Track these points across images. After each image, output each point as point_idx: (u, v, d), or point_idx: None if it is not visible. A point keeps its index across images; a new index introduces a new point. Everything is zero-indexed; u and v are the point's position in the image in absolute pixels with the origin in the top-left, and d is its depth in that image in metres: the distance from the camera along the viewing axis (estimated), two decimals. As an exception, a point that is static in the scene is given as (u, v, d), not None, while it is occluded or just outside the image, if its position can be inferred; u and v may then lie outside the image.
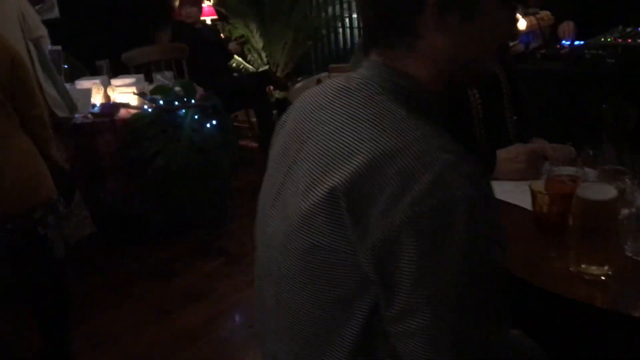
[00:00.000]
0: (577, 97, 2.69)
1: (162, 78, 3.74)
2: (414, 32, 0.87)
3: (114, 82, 3.74)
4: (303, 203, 0.88)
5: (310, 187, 0.87)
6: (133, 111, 3.53)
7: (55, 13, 4.81)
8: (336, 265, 0.84)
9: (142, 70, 4.32)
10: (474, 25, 0.87)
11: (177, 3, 5.18)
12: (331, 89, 0.97)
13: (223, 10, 5.55)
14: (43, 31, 3.10)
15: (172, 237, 3.65)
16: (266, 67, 5.52)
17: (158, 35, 5.21)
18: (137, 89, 3.64)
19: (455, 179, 0.76)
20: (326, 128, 0.91)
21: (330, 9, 5.83)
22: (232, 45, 5.30)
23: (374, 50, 0.94)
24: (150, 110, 3.50)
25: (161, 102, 3.53)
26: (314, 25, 5.75)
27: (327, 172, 0.85)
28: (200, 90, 3.80)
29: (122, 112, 3.52)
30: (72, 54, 4.05)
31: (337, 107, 0.92)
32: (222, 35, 5.48)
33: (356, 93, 0.91)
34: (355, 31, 5.98)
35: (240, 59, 5.53)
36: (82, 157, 3.36)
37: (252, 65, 5.60)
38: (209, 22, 5.40)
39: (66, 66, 3.56)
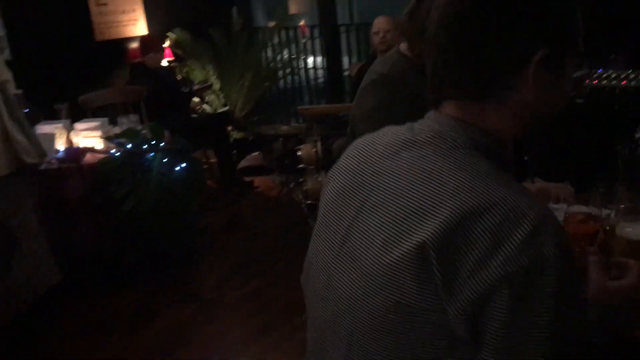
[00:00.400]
0: (546, 137, 2.80)
1: (128, 121, 3.66)
2: (509, 86, 0.88)
3: (77, 126, 3.63)
4: (384, 257, 0.86)
5: (391, 242, 0.86)
6: (99, 155, 3.43)
7: (6, 55, 4.66)
8: (423, 323, 0.82)
9: (99, 113, 4.22)
10: (561, 80, 0.90)
11: (135, 46, 5.14)
12: (394, 140, 0.96)
13: (180, 52, 5.52)
14: (8, 75, 3.00)
15: (143, 281, 3.52)
16: (226, 107, 5.50)
17: (114, 77, 5.13)
18: (102, 133, 3.55)
19: (544, 238, 0.78)
20: (397, 180, 0.90)
21: (286, 51, 5.89)
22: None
23: (450, 103, 0.93)
24: (118, 154, 3.42)
25: (129, 145, 3.45)
26: (271, 67, 5.80)
27: (408, 226, 0.84)
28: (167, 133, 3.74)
29: (88, 157, 3.42)
30: (25, 97, 3.91)
31: (407, 159, 0.91)
32: (178, 76, 5.45)
33: (428, 146, 0.90)
34: (312, 72, 6.08)
35: (198, 99, 5.49)
36: (48, 204, 3.23)
37: (210, 106, 5.57)
38: (165, 63, 5.36)
39: (27, 110, 3.43)
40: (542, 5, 0.87)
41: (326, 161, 4.52)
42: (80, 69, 4.91)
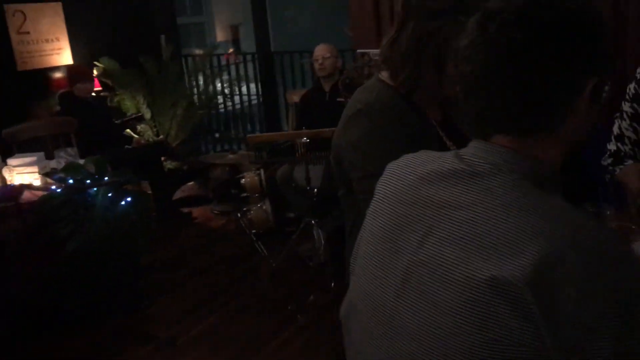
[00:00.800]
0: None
1: (66, 154, 3.47)
2: (562, 117, 0.89)
3: (11, 162, 3.40)
4: (472, 295, 0.83)
5: (475, 278, 0.83)
6: (38, 193, 3.22)
7: None
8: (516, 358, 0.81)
9: (25, 147, 3.97)
10: (598, 105, 0.92)
11: (61, 75, 4.90)
12: (445, 170, 0.94)
13: (109, 82, 5.33)
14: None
15: (92, 326, 3.30)
16: (160, 137, 5.35)
17: (39, 108, 4.87)
18: (39, 168, 3.34)
19: (630, 263, 0.80)
20: (465, 213, 0.88)
21: (217, 81, 5.83)
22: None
23: (501, 135, 0.92)
24: (59, 190, 3.22)
25: (71, 181, 3.27)
26: (204, 95, 5.71)
27: (489, 263, 0.82)
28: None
29: (26, 195, 3.20)
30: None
31: (472, 192, 0.89)
32: (109, 106, 5.26)
33: (491, 179, 0.89)
34: (245, 97, 6.04)
35: (130, 131, 5.30)
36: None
37: (141, 136, 5.38)
38: (93, 93, 5.15)
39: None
40: (592, 36, 0.89)
41: (270, 189, 4.49)
42: (2, 101, 4.63)
